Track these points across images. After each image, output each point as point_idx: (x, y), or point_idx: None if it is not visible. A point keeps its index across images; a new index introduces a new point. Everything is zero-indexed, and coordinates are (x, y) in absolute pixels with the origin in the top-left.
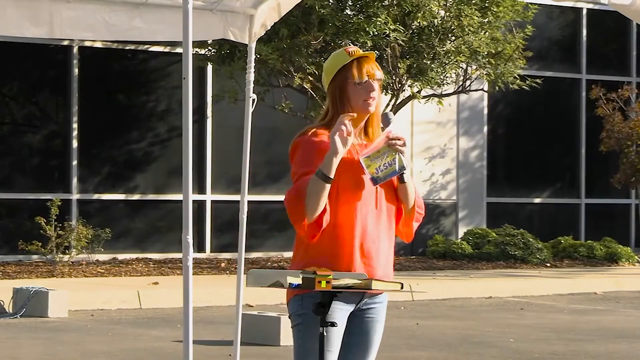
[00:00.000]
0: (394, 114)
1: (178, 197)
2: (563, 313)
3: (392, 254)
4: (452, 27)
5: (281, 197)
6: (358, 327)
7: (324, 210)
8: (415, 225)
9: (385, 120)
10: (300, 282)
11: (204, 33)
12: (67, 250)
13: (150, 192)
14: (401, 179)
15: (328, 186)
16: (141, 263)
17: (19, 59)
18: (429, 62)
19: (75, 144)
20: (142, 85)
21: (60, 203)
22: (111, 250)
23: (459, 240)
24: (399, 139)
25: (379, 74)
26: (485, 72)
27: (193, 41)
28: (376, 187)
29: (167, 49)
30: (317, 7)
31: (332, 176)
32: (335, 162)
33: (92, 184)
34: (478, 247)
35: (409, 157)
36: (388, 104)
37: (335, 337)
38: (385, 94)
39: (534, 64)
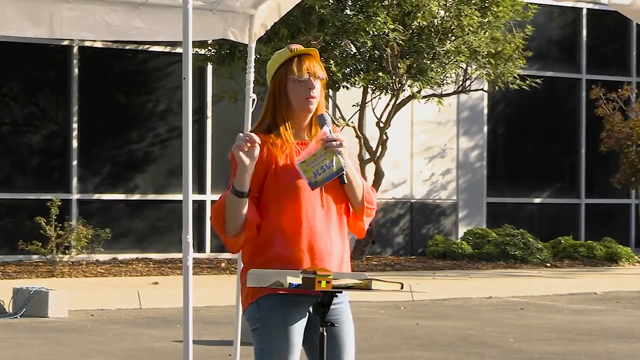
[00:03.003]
0: (394, 113)
1: (178, 197)
2: (563, 313)
3: (347, 253)
4: (452, 27)
5: None
6: (328, 331)
7: (249, 224)
8: (367, 220)
9: (321, 122)
10: (300, 282)
11: (204, 33)
12: (67, 250)
13: (150, 192)
14: (341, 180)
15: (244, 201)
16: (141, 263)
17: (19, 59)
18: (428, 62)
19: (75, 144)
20: (142, 85)
21: (60, 203)
22: (111, 250)
23: (459, 240)
24: (334, 140)
25: (321, 72)
26: (485, 72)
27: (193, 41)
28: (321, 187)
29: (167, 49)
30: (317, 7)
31: (245, 191)
32: (246, 177)
33: (92, 184)
34: (478, 247)
35: (409, 157)
36: (388, 104)
37: (297, 340)
38: (385, 94)
39: (534, 64)
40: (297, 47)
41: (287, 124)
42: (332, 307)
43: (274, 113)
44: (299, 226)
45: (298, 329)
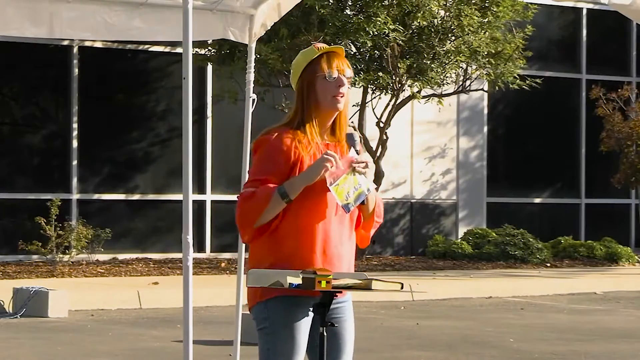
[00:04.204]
0: (394, 113)
1: (178, 197)
2: (563, 313)
3: (353, 257)
4: (452, 27)
5: None
6: (328, 329)
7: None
8: (372, 232)
9: (351, 142)
10: (300, 282)
11: (204, 33)
12: (67, 250)
13: (150, 192)
14: (362, 201)
15: (285, 204)
16: (141, 263)
17: (19, 59)
18: (429, 62)
19: (75, 144)
20: (142, 85)
21: (60, 203)
22: (111, 250)
23: (459, 240)
24: (361, 162)
25: (349, 71)
26: (485, 72)
27: (193, 41)
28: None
29: (167, 49)
30: (317, 7)
31: (293, 198)
32: (302, 188)
33: (92, 184)
34: (478, 247)
35: (409, 157)
36: (388, 104)
37: (303, 341)
38: (385, 94)
39: (534, 64)
40: (323, 46)
41: (314, 121)
42: (336, 305)
43: (303, 112)
44: (315, 230)
45: (304, 329)
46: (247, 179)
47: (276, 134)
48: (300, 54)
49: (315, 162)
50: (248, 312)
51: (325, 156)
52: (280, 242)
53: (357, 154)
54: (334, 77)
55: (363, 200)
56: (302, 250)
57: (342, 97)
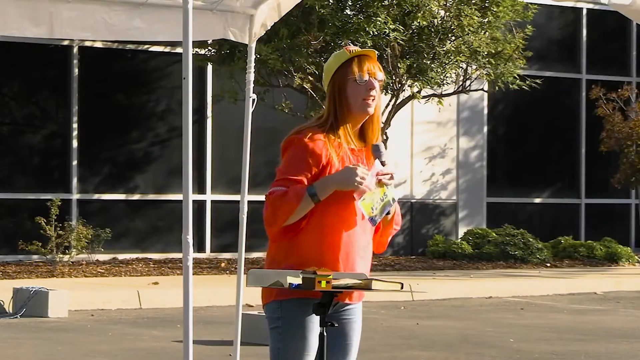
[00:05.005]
0: (394, 113)
1: (178, 197)
2: (563, 313)
3: (370, 262)
4: (452, 27)
5: None
6: (336, 329)
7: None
8: (389, 238)
9: (376, 153)
10: (300, 282)
11: (204, 33)
12: (67, 250)
13: (150, 192)
14: (387, 212)
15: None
16: (141, 263)
17: (19, 59)
18: (429, 62)
19: (75, 144)
20: (142, 85)
21: (60, 203)
22: (111, 250)
23: (459, 240)
24: (387, 174)
25: (380, 74)
26: (485, 72)
27: (193, 41)
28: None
29: (167, 49)
30: (317, 7)
31: (322, 199)
32: (331, 191)
33: (92, 184)
34: (478, 247)
35: (409, 157)
36: (388, 104)
37: (314, 341)
38: (385, 94)
39: (534, 64)
40: (355, 49)
41: (347, 125)
42: (347, 307)
43: (335, 114)
44: (340, 235)
45: (316, 330)
46: (276, 177)
47: (309, 134)
48: (332, 56)
49: (347, 172)
50: (248, 312)
51: (359, 177)
52: (303, 244)
53: (383, 165)
54: (365, 80)
55: (389, 211)
56: (326, 254)
57: (372, 100)
